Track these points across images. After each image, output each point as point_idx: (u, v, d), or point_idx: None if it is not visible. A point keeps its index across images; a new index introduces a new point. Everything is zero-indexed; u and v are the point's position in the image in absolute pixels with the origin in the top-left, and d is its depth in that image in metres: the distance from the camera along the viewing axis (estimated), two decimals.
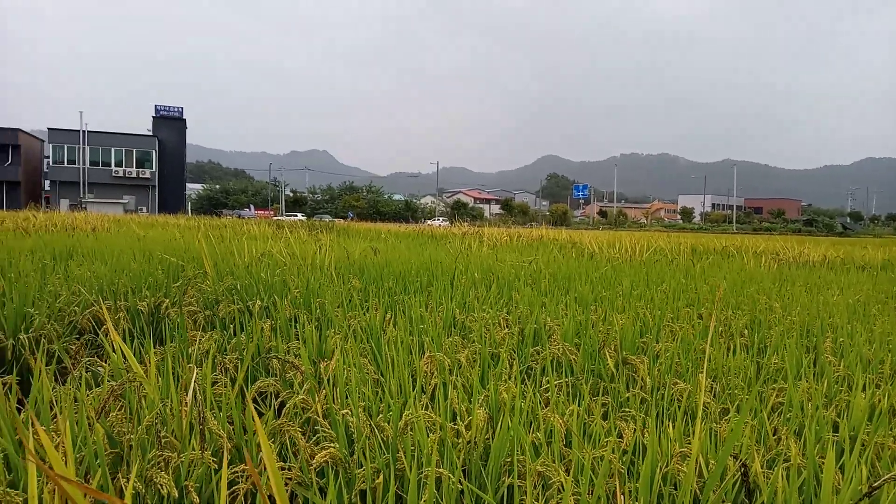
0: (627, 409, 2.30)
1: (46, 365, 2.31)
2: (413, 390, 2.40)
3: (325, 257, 5.73)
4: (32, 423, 1.77)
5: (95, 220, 14.03)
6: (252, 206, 78.91)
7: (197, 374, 2.08)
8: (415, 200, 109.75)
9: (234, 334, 3.08)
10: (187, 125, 68.68)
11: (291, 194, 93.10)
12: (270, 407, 2.29)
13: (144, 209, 58.69)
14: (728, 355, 3.06)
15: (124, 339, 2.90)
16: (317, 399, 2.05)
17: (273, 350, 2.73)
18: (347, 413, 1.81)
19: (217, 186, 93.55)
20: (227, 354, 2.62)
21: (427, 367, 2.59)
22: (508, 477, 1.72)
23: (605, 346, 2.85)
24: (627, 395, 2.46)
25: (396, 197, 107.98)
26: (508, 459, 1.73)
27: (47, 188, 64.33)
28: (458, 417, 2.05)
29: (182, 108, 67.92)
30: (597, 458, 1.76)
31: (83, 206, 53.32)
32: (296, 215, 62.50)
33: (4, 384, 2.24)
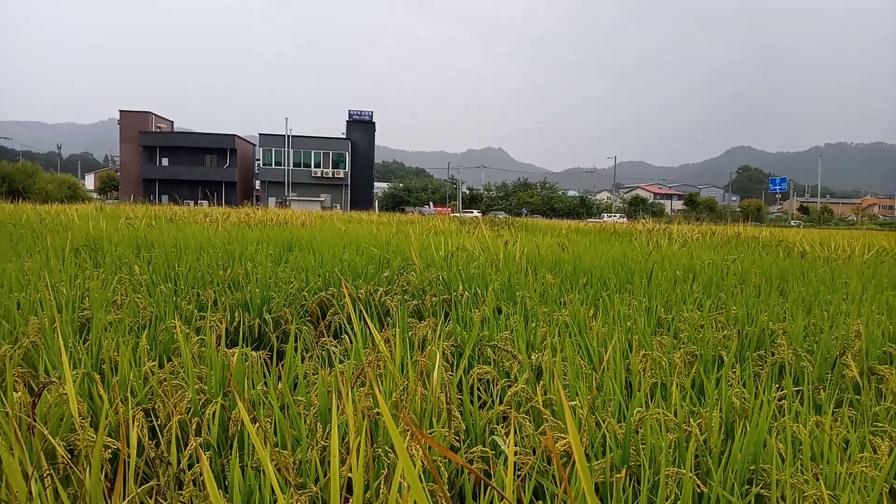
0: (879, 424, 2.05)
1: (287, 343, 2.61)
2: (626, 388, 2.35)
3: (515, 252, 5.81)
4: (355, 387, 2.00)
5: (302, 215, 15.55)
6: (431, 203, 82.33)
7: (423, 358, 2.22)
8: (590, 196, 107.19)
9: (444, 322, 3.24)
10: (376, 128, 73.40)
11: (467, 191, 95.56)
12: (488, 393, 2.39)
13: (338, 206, 63.79)
14: None
15: (350, 323, 3.19)
16: (537, 389, 2.09)
17: (484, 339, 2.83)
18: (577, 405, 1.83)
19: (401, 185, 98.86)
20: (442, 341, 2.77)
21: (641, 365, 2.52)
22: (752, 486, 1.62)
23: (844, 354, 2.57)
24: (876, 408, 2.19)
25: (571, 193, 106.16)
26: (752, 468, 1.63)
27: (257, 187, 72.52)
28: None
29: (372, 112, 72.65)
30: (854, 473, 1.59)
31: (288, 203, 59.42)
32: (471, 212, 64.14)
33: (260, 358, 2.58)
